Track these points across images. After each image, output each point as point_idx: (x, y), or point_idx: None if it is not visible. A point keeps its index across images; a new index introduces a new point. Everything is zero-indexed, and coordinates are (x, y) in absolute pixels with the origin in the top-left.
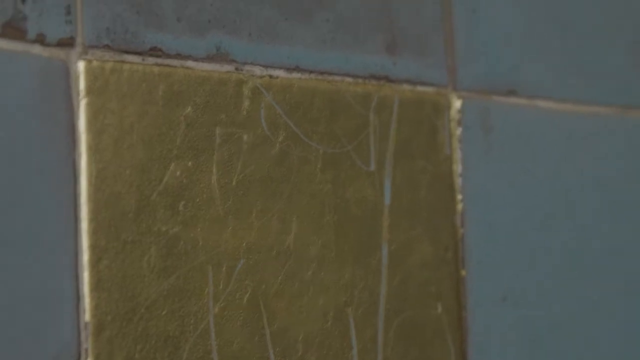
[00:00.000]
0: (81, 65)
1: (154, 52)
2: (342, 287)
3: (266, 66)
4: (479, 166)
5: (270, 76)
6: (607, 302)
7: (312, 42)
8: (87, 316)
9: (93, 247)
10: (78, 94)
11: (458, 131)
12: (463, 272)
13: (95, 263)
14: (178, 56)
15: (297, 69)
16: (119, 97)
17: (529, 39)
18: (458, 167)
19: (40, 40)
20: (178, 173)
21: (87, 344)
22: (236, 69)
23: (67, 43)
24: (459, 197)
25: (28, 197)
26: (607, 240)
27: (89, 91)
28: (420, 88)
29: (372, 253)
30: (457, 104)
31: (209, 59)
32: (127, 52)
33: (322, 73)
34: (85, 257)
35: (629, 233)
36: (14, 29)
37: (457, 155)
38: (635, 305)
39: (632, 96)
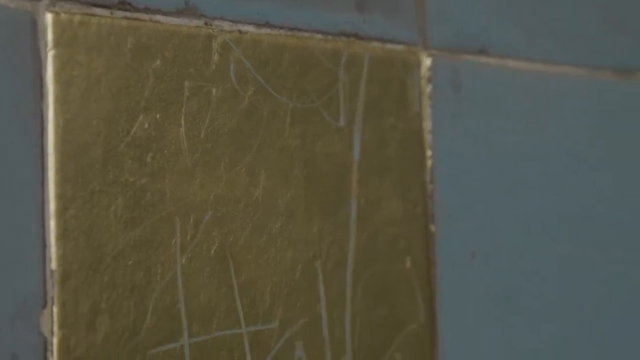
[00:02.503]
0: (49, 18)
1: (123, 5)
2: (311, 240)
3: (235, 21)
4: (449, 123)
5: (240, 31)
6: (577, 258)
7: None
8: (53, 265)
9: (60, 197)
10: (45, 46)
11: (428, 89)
12: (432, 228)
13: (61, 212)
14: (147, 10)
15: (266, 24)
16: (87, 50)
17: None
18: (428, 124)
19: None
20: (146, 125)
21: (53, 292)
22: (205, 23)
23: None
24: (429, 153)
25: None
26: (576, 198)
27: (57, 43)
28: (390, 46)
29: (341, 208)
30: (427, 62)
31: (178, 13)
32: (96, 5)
33: (291, 29)
34: (51, 206)
35: (596, 190)
36: None
37: (427, 112)
38: (604, 257)
39: (603, 57)
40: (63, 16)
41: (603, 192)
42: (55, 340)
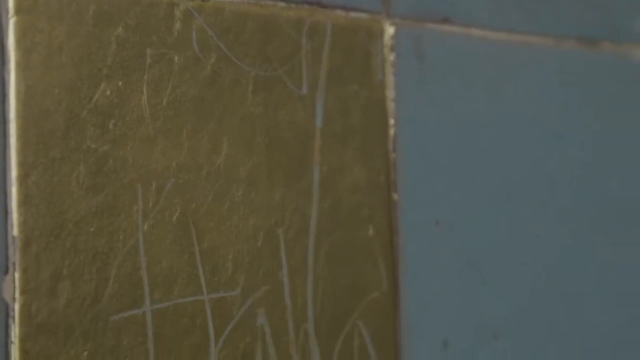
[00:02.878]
0: None
1: None
2: (273, 208)
3: None
4: (412, 92)
5: None
6: (541, 226)
7: None
8: (15, 231)
9: (21, 164)
10: (7, 13)
11: (391, 57)
12: (395, 196)
13: (23, 179)
14: None
15: None
16: (49, 17)
17: None
18: (391, 93)
19: None
20: (108, 92)
21: (15, 258)
22: None
23: None
24: (392, 122)
25: None
26: (540, 166)
27: (18, 10)
28: (353, 14)
29: (303, 175)
30: (390, 30)
31: None
32: None
33: None
34: (13, 173)
35: (561, 159)
36: None
37: (390, 80)
38: (568, 226)
39: (567, 27)
40: None
41: (567, 160)
42: (16, 306)
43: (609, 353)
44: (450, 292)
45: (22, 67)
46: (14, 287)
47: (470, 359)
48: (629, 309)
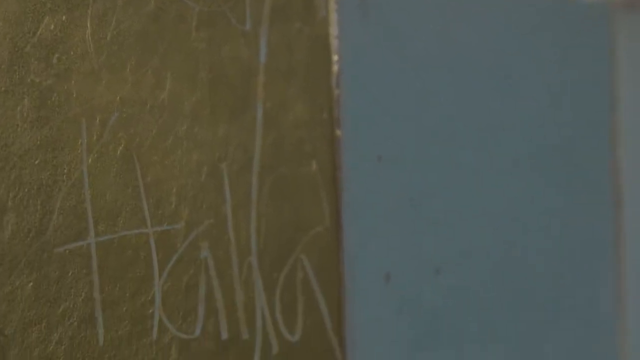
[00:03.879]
0: None
1: None
2: (217, 143)
3: None
4: (356, 29)
5: None
6: (484, 166)
7: None
8: None
9: None
10: None
11: None
12: (338, 132)
13: None
14: None
15: None
16: None
17: None
18: (334, 30)
19: None
20: (52, 26)
21: None
22: None
23: None
24: (335, 58)
25: None
26: (486, 107)
27: None
28: None
29: (246, 111)
30: None
31: None
32: None
33: None
34: None
35: (508, 100)
36: None
37: (334, 17)
38: (511, 166)
39: None
40: None
41: (514, 101)
42: None
43: (550, 292)
44: (392, 228)
45: None
46: None
47: (411, 293)
48: (571, 250)
